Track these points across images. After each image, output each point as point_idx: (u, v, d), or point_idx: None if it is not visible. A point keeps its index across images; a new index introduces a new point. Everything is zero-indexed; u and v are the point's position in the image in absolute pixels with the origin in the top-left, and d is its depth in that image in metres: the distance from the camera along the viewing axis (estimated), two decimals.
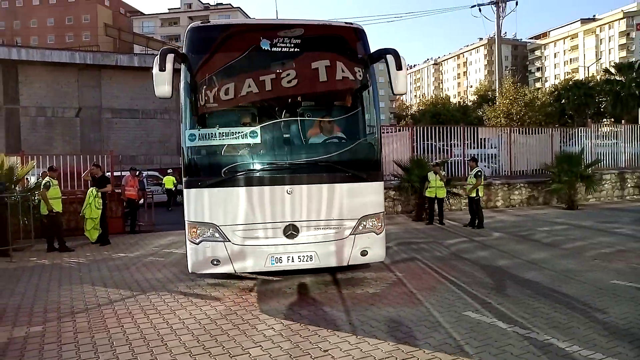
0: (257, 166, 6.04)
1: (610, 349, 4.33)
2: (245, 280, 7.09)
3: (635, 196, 18.46)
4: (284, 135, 6.35)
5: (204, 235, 5.93)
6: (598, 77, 53.52)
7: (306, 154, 6.30)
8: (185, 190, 6.00)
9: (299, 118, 6.56)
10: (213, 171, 5.98)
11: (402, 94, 6.59)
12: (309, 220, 6.02)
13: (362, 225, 6.22)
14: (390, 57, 6.15)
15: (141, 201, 14.52)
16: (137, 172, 13.98)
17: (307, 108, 6.98)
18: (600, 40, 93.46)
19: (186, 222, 6.04)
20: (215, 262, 5.95)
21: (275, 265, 5.98)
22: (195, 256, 6.01)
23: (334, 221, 6.12)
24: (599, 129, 20.24)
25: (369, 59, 6.46)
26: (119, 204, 13.18)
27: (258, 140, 5.96)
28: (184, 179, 6.01)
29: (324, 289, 6.49)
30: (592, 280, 6.67)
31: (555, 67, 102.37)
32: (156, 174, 24.44)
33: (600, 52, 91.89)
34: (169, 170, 23.89)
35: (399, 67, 6.03)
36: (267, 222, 5.94)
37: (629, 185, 18.61)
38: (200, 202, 5.93)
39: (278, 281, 6.97)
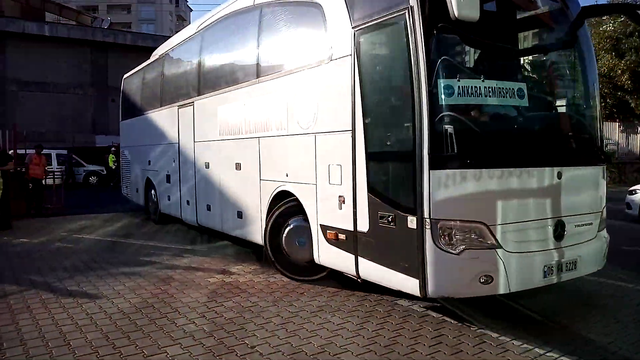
0: (526, 139, 4.57)
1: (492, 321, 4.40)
2: (164, 269, 6.56)
3: None
4: (547, 99, 5.07)
5: (468, 241, 4.07)
6: None
7: (571, 126, 5.00)
8: (430, 172, 4.05)
9: (561, 78, 5.28)
10: (478, 145, 4.19)
11: None
12: (574, 215, 4.63)
13: (602, 219, 5.08)
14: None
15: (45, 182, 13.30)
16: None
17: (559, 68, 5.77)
18: None
19: (426, 220, 4.08)
20: (485, 280, 4.07)
21: (546, 278, 4.38)
22: (450, 272, 4.09)
23: (590, 215, 4.84)
24: None
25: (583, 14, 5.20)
26: (21, 184, 11.90)
27: (525, 102, 4.50)
28: (428, 156, 4.04)
29: (251, 277, 6.12)
30: None
31: None
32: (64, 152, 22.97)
33: None
34: (113, 149, 22.62)
35: None
36: (538, 219, 4.39)
37: None
38: (460, 190, 4.10)
39: (201, 269, 6.51)
